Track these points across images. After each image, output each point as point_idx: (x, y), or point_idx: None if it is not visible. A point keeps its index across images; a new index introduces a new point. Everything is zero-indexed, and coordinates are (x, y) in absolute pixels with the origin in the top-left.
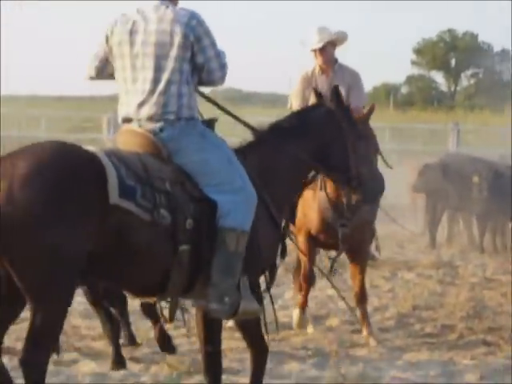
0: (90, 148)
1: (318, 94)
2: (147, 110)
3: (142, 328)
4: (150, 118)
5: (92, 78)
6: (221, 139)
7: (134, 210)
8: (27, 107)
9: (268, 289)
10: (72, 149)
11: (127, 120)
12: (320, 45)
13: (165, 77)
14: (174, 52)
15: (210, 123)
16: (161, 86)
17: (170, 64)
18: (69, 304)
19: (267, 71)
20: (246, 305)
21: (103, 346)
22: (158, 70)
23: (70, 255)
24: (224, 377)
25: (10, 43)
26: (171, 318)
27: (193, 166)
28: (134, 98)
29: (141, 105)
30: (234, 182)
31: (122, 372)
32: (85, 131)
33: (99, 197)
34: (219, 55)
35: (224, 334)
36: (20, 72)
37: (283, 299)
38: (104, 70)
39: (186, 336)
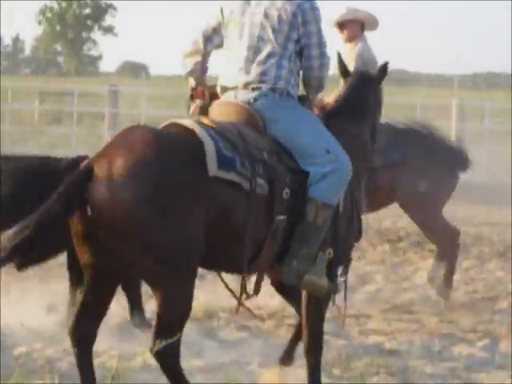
0: (186, 122)
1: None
2: (245, 77)
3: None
4: (247, 86)
5: (194, 52)
6: (312, 113)
7: (236, 179)
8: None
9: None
10: (165, 135)
11: (224, 89)
12: (339, 20)
13: (267, 47)
14: (280, 27)
15: (301, 99)
16: (261, 56)
17: (274, 36)
18: (193, 291)
19: (434, 52)
20: (314, 277)
21: (271, 325)
22: (261, 40)
23: (190, 242)
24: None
25: None
26: (257, 292)
27: (286, 137)
28: (234, 64)
29: (240, 71)
30: (324, 155)
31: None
32: None
33: (200, 174)
34: (322, 45)
35: (392, 315)
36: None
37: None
38: (212, 40)
39: None
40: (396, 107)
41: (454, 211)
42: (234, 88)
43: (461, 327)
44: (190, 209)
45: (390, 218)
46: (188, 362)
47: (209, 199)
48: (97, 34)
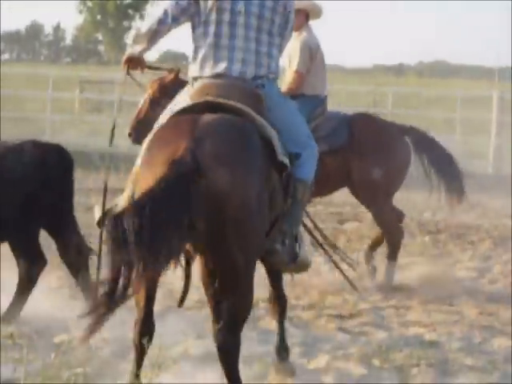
0: (238, 105)
1: None
2: (253, 69)
3: (351, 301)
4: (255, 78)
5: (161, 25)
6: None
7: (287, 162)
8: None
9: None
10: (241, 122)
11: (219, 76)
12: None
13: (268, 39)
14: (275, 17)
15: None
16: (265, 48)
17: (272, 28)
18: None
19: (475, 44)
20: (304, 255)
21: (312, 316)
22: (261, 31)
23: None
24: (432, 350)
25: None
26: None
27: (278, 122)
28: (231, 53)
29: (244, 62)
30: (307, 140)
31: (330, 343)
32: None
33: (272, 160)
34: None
35: (432, 307)
36: None
37: (492, 273)
38: (180, 20)
39: None
40: (437, 99)
41: (492, 204)
42: (225, 76)
43: (501, 320)
44: (266, 195)
45: (430, 210)
46: None
47: (271, 184)
48: (138, 23)
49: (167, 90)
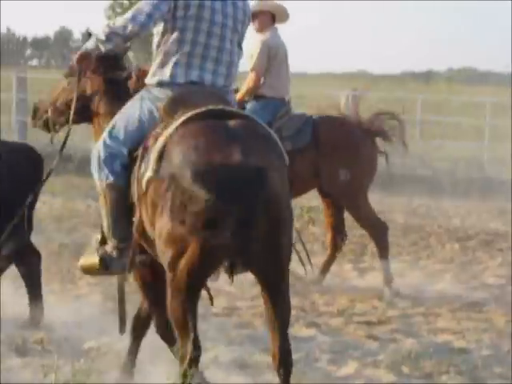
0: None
1: None
2: (223, 80)
3: (380, 307)
4: (223, 87)
5: (132, 35)
6: None
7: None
8: None
9: None
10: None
11: (194, 83)
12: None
13: (237, 50)
14: (244, 30)
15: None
16: (234, 59)
17: (240, 40)
18: None
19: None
20: None
21: (341, 323)
22: (233, 43)
23: None
24: (461, 357)
25: None
26: None
27: None
28: (207, 64)
29: (216, 73)
30: None
31: (359, 351)
32: (321, 108)
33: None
34: None
35: (462, 314)
36: None
37: None
38: (149, 28)
39: None
40: (465, 106)
41: None
42: (199, 84)
43: None
44: None
45: (459, 216)
46: (258, 358)
47: None
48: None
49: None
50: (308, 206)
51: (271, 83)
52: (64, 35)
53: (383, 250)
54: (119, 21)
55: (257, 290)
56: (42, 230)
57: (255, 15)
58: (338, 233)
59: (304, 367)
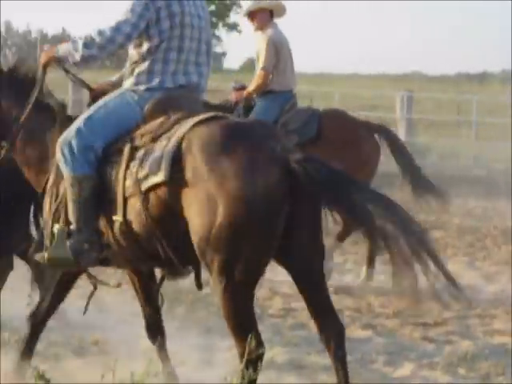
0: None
1: None
2: (204, 80)
3: (436, 309)
4: (204, 88)
5: (120, 46)
6: None
7: None
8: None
9: None
10: None
11: (182, 87)
12: (248, 11)
13: (209, 50)
14: (208, 26)
15: None
16: (209, 59)
17: (206, 37)
18: None
19: None
20: None
21: (396, 324)
22: (207, 43)
23: None
24: None
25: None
26: None
27: None
28: (190, 67)
29: (199, 75)
30: None
31: (414, 352)
32: (375, 109)
33: None
34: None
35: None
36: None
37: None
38: (133, 39)
39: None
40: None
41: None
42: (196, 89)
43: None
44: None
45: None
46: (312, 360)
47: None
48: (221, 31)
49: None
50: None
51: (278, 78)
52: None
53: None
54: (101, 31)
55: None
56: None
57: (253, 14)
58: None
59: (360, 368)
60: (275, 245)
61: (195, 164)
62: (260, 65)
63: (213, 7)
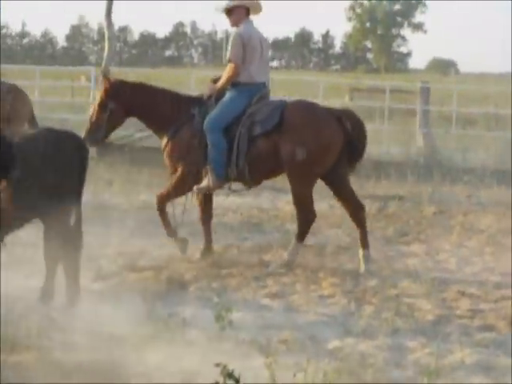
0: None
1: None
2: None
3: None
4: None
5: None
6: None
7: None
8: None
9: None
10: None
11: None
12: (225, 7)
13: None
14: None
15: None
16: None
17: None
18: None
19: None
20: None
21: None
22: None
23: None
24: None
25: None
26: None
27: None
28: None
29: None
30: None
31: None
32: None
33: None
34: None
35: None
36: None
37: None
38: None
39: None
40: None
41: None
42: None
43: None
44: None
45: None
46: (501, 362)
47: None
48: (406, 31)
49: (110, 93)
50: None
51: (246, 70)
52: (304, 36)
53: (302, 235)
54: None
55: (500, 292)
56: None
57: (230, 11)
58: (356, 207)
59: None
60: None
61: None
62: (227, 57)
63: (398, 6)
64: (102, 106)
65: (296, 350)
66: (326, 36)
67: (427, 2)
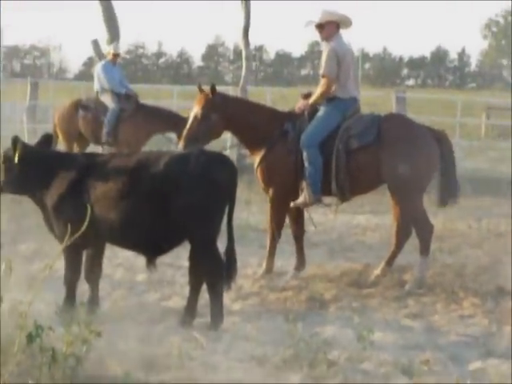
0: None
1: None
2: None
3: None
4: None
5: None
6: None
7: None
8: None
9: None
10: None
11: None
12: (314, 23)
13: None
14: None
15: None
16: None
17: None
18: None
19: None
20: None
21: None
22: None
23: None
24: None
25: None
26: None
27: None
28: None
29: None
30: None
31: None
32: None
33: None
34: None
35: None
36: None
37: None
38: None
39: None
40: None
41: None
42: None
43: None
44: None
45: None
46: None
47: None
48: None
49: (213, 105)
50: None
51: (341, 85)
52: (440, 55)
53: (425, 249)
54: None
55: None
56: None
57: (322, 26)
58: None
59: None
60: None
61: None
62: (321, 72)
63: None
64: (204, 116)
65: (438, 370)
66: (462, 54)
67: None
